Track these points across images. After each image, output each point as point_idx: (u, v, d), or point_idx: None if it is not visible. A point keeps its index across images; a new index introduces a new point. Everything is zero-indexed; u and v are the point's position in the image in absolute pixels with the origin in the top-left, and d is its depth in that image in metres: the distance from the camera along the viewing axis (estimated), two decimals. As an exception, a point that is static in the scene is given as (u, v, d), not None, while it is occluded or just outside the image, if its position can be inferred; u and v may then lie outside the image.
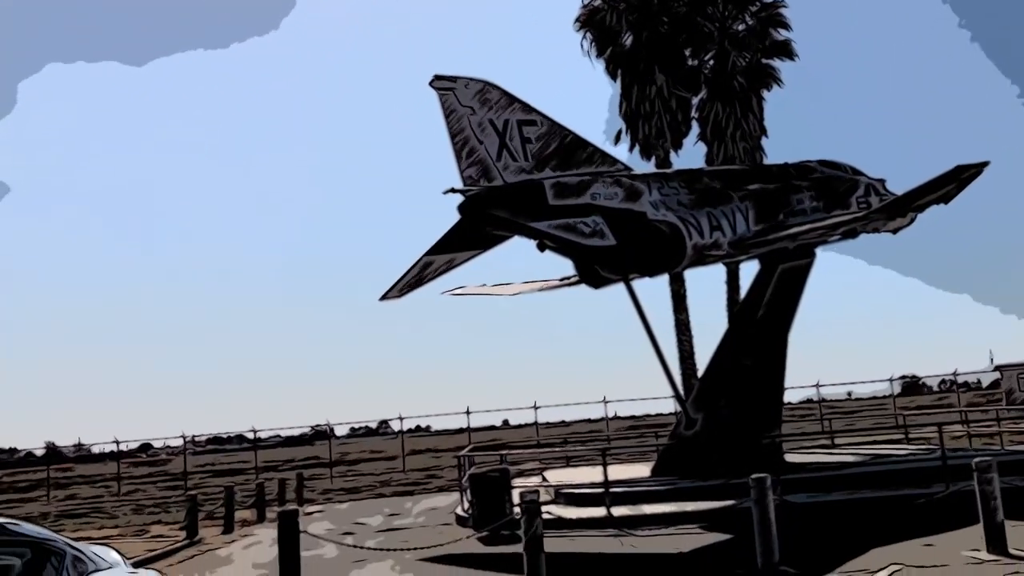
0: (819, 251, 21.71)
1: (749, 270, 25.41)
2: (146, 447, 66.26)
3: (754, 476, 12.17)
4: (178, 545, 19.95)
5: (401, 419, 49.24)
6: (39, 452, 60.01)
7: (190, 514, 21.28)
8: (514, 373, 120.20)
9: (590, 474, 20.85)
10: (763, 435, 19.89)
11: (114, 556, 7.17)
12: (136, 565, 7.82)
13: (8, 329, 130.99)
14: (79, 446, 65.43)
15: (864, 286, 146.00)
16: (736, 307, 31.30)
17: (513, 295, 26.27)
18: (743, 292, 27.06)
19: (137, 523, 26.69)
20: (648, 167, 32.66)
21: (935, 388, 68.08)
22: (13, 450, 74.20)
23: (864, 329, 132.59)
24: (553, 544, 13.31)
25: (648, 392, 49.64)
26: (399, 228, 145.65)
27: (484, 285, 26.31)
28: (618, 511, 17.42)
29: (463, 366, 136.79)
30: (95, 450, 61.74)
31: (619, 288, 20.50)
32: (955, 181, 16.98)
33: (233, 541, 20.89)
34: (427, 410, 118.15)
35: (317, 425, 54.47)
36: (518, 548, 12.32)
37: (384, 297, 20.34)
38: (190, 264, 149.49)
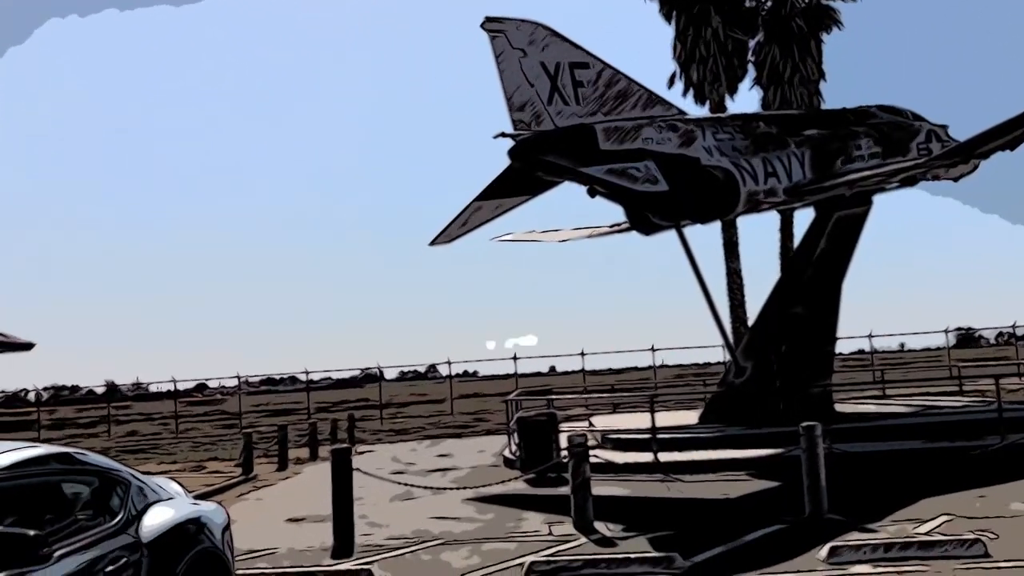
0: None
1: (804, 217, 24.97)
2: (201, 387, 68.02)
3: (804, 424, 12.10)
4: (234, 480, 20.58)
5: (449, 363, 50.01)
6: (99, 390, 61.91)
7: (245, 451, 21.92)
8: (561, 320, 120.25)
9: (637, 420, 20.92)
10: (814, 384, 19.75)
11: (175, 487, 7.41)
12: (196, 498, 8.07)
13: (70, 271, 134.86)
14: (137, 384, 67.56)
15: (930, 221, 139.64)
16: (789, 255, 30.85)
17: (562, 241, 26.19)
18: (797, 240, 26.65)
19: (194, 459, 27.55)
20: (702, 112, 32.04)
21: (992, 341, 66.35)
22: (75, 387, 76.78)
23: (919, 279, 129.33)
24: (599, 488, 13.43)
25: (697, 341, 49.16)
26: (450, 174, 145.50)
27: (533, 231, 26.25)
28: (665, 457, 17.48)
29: (511, 312, 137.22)
30: (152, 389, 63.69)
31: (670, 235, 20.33)
32: None
33: (287, 478, 21.50)
34: (475, 355, 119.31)
35: (367, 368, 55.55)
36: (564, 490, 12.47)
37: (434, 242, 20.46)
38: (245, 209, 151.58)
